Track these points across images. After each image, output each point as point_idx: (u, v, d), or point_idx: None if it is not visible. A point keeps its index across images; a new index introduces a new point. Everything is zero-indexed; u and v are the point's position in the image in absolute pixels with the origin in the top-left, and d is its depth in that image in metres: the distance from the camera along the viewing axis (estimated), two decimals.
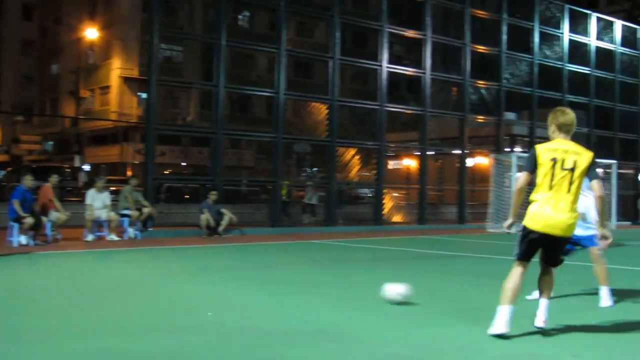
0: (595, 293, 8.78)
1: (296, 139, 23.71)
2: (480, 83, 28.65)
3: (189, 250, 15.30)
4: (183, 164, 46.63)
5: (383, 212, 25.45)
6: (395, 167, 28.87)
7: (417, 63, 26.67)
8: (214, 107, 21.59)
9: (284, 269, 11.96)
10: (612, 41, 34.94)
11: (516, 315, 6.45)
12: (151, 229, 18.94)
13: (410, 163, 28.97)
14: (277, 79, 22.83)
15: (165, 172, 36.42)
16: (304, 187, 28.88)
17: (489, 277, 11.23)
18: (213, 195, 19.81)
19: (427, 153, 26.94)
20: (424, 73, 26.60)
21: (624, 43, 35.57)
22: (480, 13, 29.12)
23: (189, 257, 13.12)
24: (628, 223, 33.31)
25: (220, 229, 19.59)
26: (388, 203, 26.10)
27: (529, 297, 8.33)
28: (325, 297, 8.77)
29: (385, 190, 25.73)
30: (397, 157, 29.35)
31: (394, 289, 8.26)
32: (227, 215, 19.80)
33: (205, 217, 19.41)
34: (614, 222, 29.00)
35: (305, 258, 13.77)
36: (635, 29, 36.89)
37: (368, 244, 17.91)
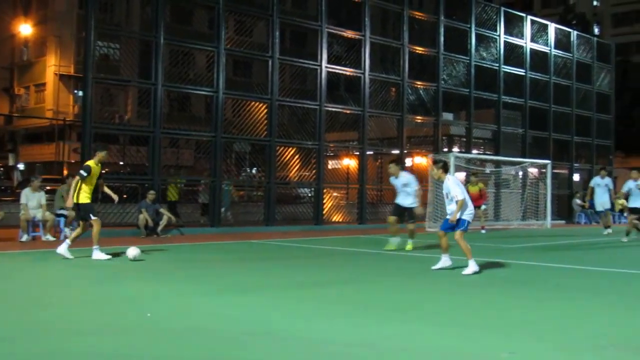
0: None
1: (235, 138, 23.58)
2: (419, 84, 28.95)
3: (125, 250, 15.07)
4: (121, 163, 46.00)
5: (323, 212, 25.52)
6: (335, 166, 28.93)
7: (356, 63, 26.82)
8: (152, 106, 21.36)
9: (223, 269, 11.89)
10: (546, 44, 35.68)
11: (449, 313, 6.53)
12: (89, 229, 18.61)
13: (349, 163, 29.08)
14: (216, 77, 22.72)
15: (102, 171, 35.69)
16: (243, 188, 28.78)
17: (419, 275, 11.37)
18: (151, 195, 19.60)
19: (367, 153, 27.12)
20: (362, 73, 26.77)
21: (557, 46, 36.36)
22: (418, 15, 29.45)
23: (127, 258, 12.92)
24: (562, 222, 34.05)
25: (159, 229, 19.40)
26: (328, 202, 26.19)
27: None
28: (266, 297, 8.76)
29: (325, 190, 25.81)
30: (336, 156, 29.43)
31: (131, 251, 12.60)
32: (166, 215, 19.61)
33: (143, 216, 19.19)
34: (549, 220, 29.62)
35: (245, 258, 13.72)
36: (569, 32, 37.78)
37: (307, 243, 17.93)
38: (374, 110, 27.36)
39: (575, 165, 37.18)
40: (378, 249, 16.49)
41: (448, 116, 31.02)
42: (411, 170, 29.75)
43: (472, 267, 11.40)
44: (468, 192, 24.07)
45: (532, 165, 31.09)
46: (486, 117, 32.33)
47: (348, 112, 26.90)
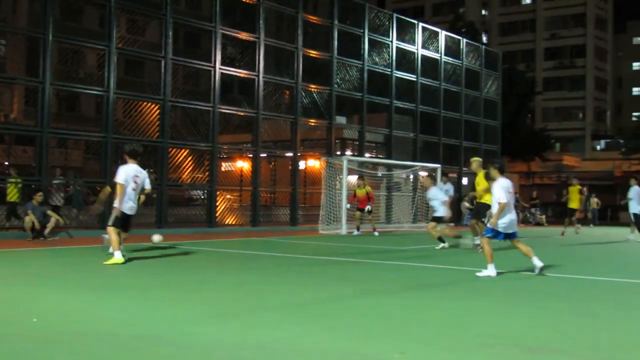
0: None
1: (126, 139, 23.18)
2: (312, 87, 29.19)
3: (11, 254, 14.65)
4: (6, 163, 44.46)
5: (216, 214, 25.42)
6: (229, 168, 28.89)
7: (251, 65, 26.84)
8: (40, 105, 20.77)
9: (111, 272, 11.72)
10: (437, 50, 36.61)
11: (334, 314, 6.66)
12: None
13: (243, 165, 29.08)
14: (107, 77, 22.30)
15: None
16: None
17: (310, 276, 11.52)
18: (39, 197, 19.06)
19: (260, 155, 27.16)
20: (257, 75, 26.81)
21: (447, 53, 37.38)
22: (313, 18, 29.71)
23: (11, 261, 12.57)
24: (452, 224, 34.90)
25: (46, 231, 18.89)
26: (221, 205, 26.10)
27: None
28: (154, 300, 8.70)
29: (218, 192, 25.71)
30: (230, 158, 29.38)
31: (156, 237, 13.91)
32: (54, 218, 19.12)
33: (30, 219, 18.65)
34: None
35: (134, 261, 13.54)
36: (458, 39, 38.89)
37: (199, 245, 17.83)
38: (268, 113, 27.45)
39: (464, 169, 38.25)
40: (272, 251, 16.58)
41: (341, 119, 31.41)
42: (304, 172, 30.07)
43: (489, 271, 11.80)
44: (355, 195, 24.62)
45: (423, 168, 31.80)
46: (378, 121, 32.91)
47: (242, 114, 26.88)
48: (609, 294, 10.13)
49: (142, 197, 14.04)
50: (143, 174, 13.55)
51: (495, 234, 11.82)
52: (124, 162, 13.64)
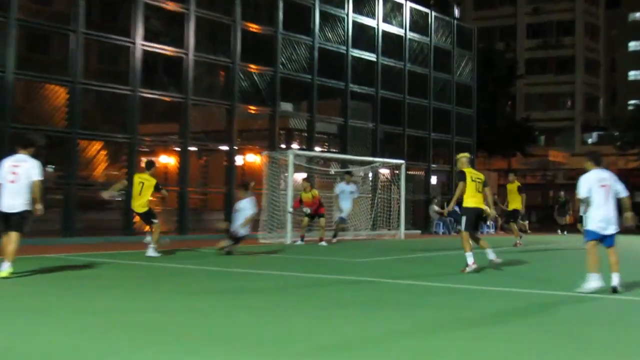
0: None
1: (27, 128, 22.83)
2: (253, 67, 29.10)
3: None
4: None
5: (134, 220, 25.16)
6: None
7: (178, 41, 26.65)
8: None
9: (11, 290, 11.51)
10: (400, 25, 36.81)
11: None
12: None
13: (169, 160, 28.88)
14: (4, 54, 21.93)
15: None
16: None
17: (243, 294, 11.48)
18: None
19: (189, 149, 26.99)
20: (186, 53, 26.64)
21: (413, 28, 37.60)
22: None
23: None
24: (418, 232, 35.18)
25: None
26: None
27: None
28: (56, 324, 8.57)
29: None
30: (152, 153, 29.12)
31: None
32: None
33: None
34: (402, 230, 30.47)
35: (38, 277, 13.32)
36: (426, 13, 39.04)
37: (114, 258, 17.65)
38: (199, 98, 27.28)
39: (433, 166, 38.56)
40: (201, 264, 16.48)
41: (287, 107, 31.39)
42: (242, 170, 29.96)
43: (593, 282, 11.98)
44: (301, 201, 24.63)
45: (384, 165, 31.90)
46: (331, 109, 32.95)
47: (168, 99, 26.70)
48: None
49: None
50: (28, 163, 13.07)
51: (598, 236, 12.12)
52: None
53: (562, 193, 40.83)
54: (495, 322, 9.31)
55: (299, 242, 24.77)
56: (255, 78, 29.39)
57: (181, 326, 8.52)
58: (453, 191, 19.03)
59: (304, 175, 27.51)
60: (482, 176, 15.87)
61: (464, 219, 15.67)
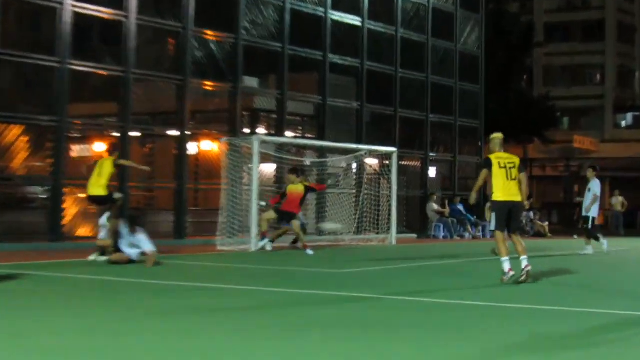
0: None
1: None
2: (209, 34, 29.06)
3: None
4: None
5: (62, 222, 25.12)
6: (83, 154, 28.60)
7: (117, 1, 26.57)
8: None
9: None
10: None
11: None
12: None
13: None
14: None
15: None
16: None
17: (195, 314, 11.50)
18: None
19: (130, 134, 26.93)
20: (126, 16, 26.58)
21: None
22: None
23: None
24: (413, 236, 35.24)
25: None
26: (71, 208, 25.81)
27: None
28: None
29: (66, 189, 25.40)
30: (85, 139, 29.07)
31: None
32: None
33: None
34: (393, 234, 30.40)
35: None
36: None
37: (38, 269, 17.63)
38: (143, 72, 27.23)
39: (431, 155, 38.65)
40: (144, 276, 16.47)
41: (251, 82, 31.35)
42: (196, 159, 29.95)
43: None
44: (285, 195, 24.62)
45: (372, 154, 31.89)
46: (306, 85, 32.98)
47: (104, 73, 26.64)
48: None
49: None
50: None
51: None
52: None
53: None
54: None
55: (310, 252, 24.30)
56: (213, 47, 29.38)
57: (118, 353, 8.51)
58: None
59: (273, 166, 27.53)
60: (515, 160, 15.87)
61: (493, 216, 15.76)
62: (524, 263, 15.62)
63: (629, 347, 9.39)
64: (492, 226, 15.79)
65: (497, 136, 16.47)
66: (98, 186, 19.41)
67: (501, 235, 15.69)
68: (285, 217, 24.81)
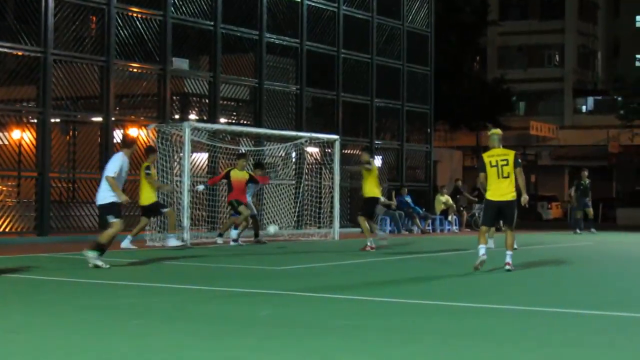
0: None
1: None
2: (135, 10, 29.05)
3: None
4: None
5: None
6: None
7: None
8: None
9: None
10: None
11: None
12: None
13: (22, 136, 28.79)
14: None
15: None
16: None
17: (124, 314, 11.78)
18: None
19: (51, 120, 26.95)
20: None
21: None
22: None
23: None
24: (358, 230, 35.35)
25: None
26: None
27: None
28: None
29: None
30: (0, 126, 29.02)
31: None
32: None
33: None
34: (336, 229, 30.48)
35: None
36: None
37: None
38: (63, 52, 27.24)
39: (377, 143, 38.89)
40: (69, 274, 16.68)
41: (181, 63, 31.35)
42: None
43: None
44: (227, 177, 25.04)
45: (312, 142, 32.03)
46: (241, 67, 33.08)
47: (19, 53, 26.61)
48: None
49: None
50: None
51: None
52: None
53: (585, 173, 39.25)
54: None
55: (232, 241, 25.25)
56: (139, 25, 29.35)
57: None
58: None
59: (204, 155, 27.72)
60: (510, 155, 16.75)
61: (482, 213, 17.05)
62: (507, 259, 16.92)
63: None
64: (480, 220, 17.21)
65: (496, 132, 17.69)
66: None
67: (484, 229, 17.13)
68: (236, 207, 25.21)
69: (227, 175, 25.47)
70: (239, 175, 25.11)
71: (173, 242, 23.85)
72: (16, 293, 13.87)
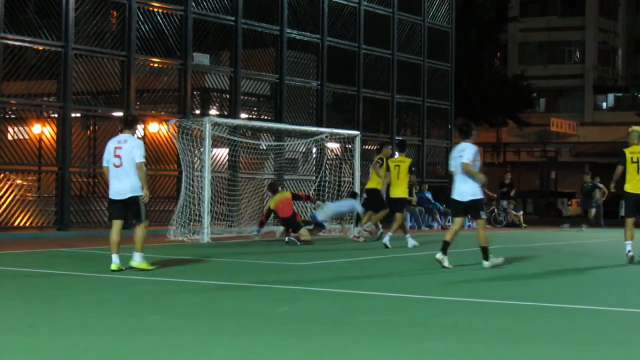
0: None
1: None
2: (156, 5, 29.01)
3: None
4: None
5: None
6: (19, 136, 28.44)
7: None
8: None
9: None
10: None
11: None
12: None
13: (43, 130, 28.72)
14: None
15: None
16: None
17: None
18: None
19: (72, 115, 26.92)
20: None
21: None
22: None
23: None
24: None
25: None
26: (6, 196, 25.77)
27: None
28: None
29: (0, 175, 25.38)
30: (21, 120, 28.96)
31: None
32: None
33: None
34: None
35: None
36: None
37: None
38: (84, 47, 27.24)
39: (397, 138, 38.70)
40: (89, 269, 16.58)
41: (202, 59, 31.30)
42: (144, 143, 29.91)
43: None
44: (270, 210, 24.86)
45: (333, 137, 31.94)
46: (262, 62, 33.01)
47: (40, 48, 26.57)
48: None
49: None
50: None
51: None
52: None
53: (587, 177, 39.89)
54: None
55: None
56: (159, 19, 29.35)
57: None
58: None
59: (225, 150, 27.61)
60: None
61: (622, 203, 18.88)
62: (627, 248, 18.23)
63: None
64: (622, 212, 18.86)
65: (636, 129, 18.95)
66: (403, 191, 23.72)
67: (631, 221, 18.33)
68: (288, 224, 24.82)
69: (269, 211, 25.34)
70: (277, 199, 24.85)
71: (411, 242, 23.28)
72: (36, 287, 13.92)
